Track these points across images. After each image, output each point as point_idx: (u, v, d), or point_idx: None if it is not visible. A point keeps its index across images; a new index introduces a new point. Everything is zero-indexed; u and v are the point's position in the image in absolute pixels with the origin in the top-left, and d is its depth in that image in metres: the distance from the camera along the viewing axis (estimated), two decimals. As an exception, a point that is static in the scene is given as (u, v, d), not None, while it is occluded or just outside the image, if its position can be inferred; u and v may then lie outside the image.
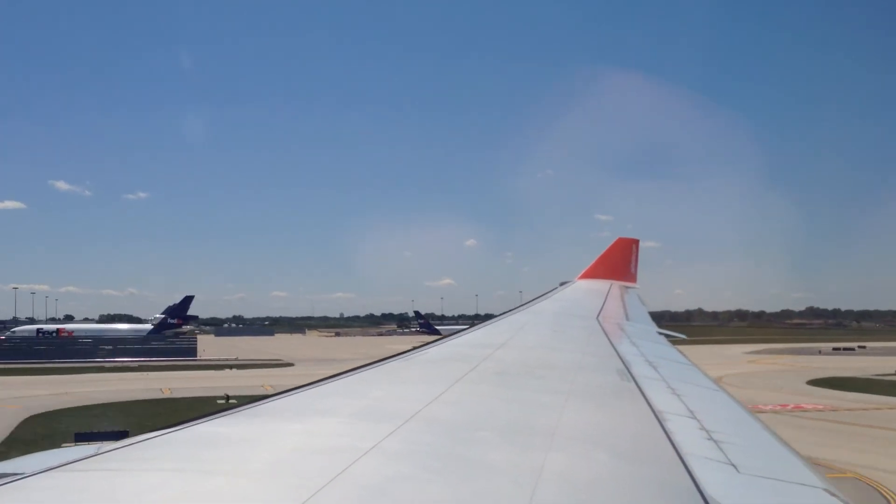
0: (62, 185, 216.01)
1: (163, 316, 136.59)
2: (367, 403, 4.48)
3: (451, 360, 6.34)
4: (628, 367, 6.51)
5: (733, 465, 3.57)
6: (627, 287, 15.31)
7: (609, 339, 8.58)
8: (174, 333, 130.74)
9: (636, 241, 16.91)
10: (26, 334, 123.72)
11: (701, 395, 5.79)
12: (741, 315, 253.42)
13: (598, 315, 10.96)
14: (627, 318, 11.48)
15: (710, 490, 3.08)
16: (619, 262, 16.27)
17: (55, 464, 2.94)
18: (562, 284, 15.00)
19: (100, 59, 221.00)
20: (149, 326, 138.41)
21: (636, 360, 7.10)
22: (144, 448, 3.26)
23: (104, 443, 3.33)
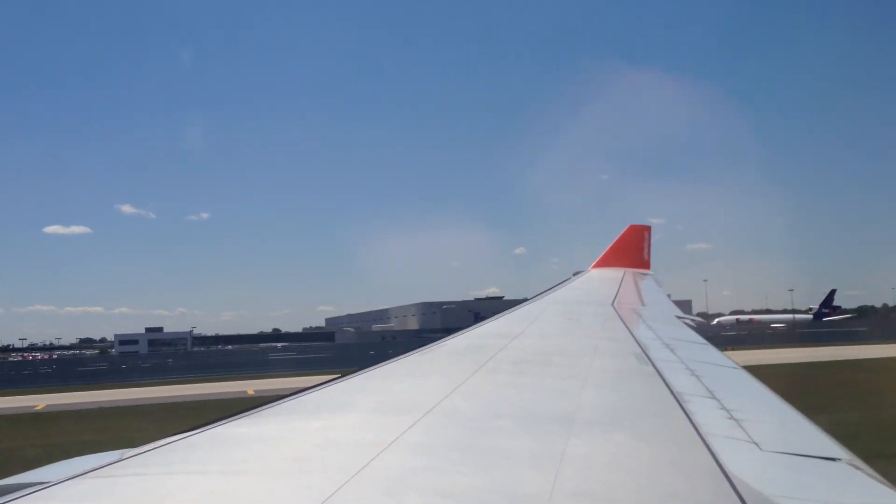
0: (128, 208, 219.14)
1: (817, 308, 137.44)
2: (387, 398, 4.49)
3: (469, 351, 6.35)
4: (645, 350, 6.49)
5: (755, 444, 3.55)
6: (642, 274, 15.27)
7: (625, 324, 8.54)
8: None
9: (648, 228, 16.84)
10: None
11: (720, 375, 5.77)
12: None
13: (612, 301, 10.92)
14: (643, 304, 11.44)
15: (732, 468, 3.06)
16: (631, 250, 16.21)
17: (80, 471, 2.95)
18: (575, 274, 14.99)
19: (163, 87, 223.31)
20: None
21: (653, 343, 7.08)
22: (167, 452, 3.28)
23: (127, 449, 3.35)
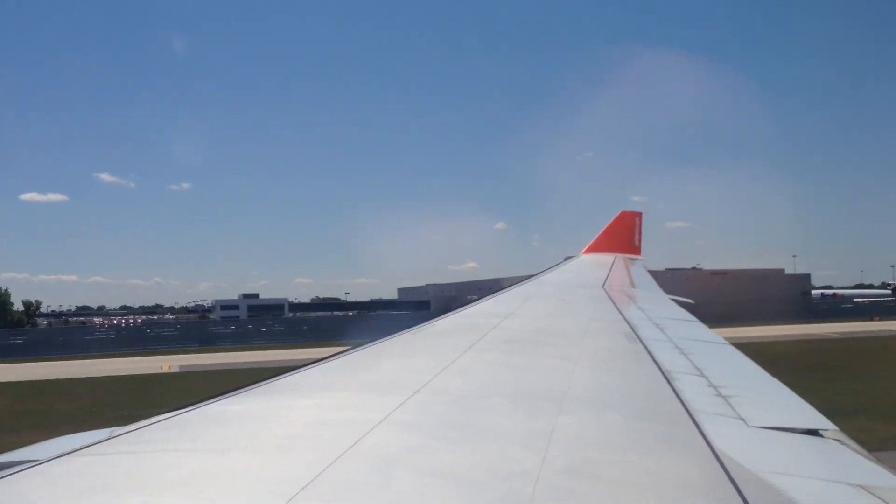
0: (107, 177, 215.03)
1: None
2: (377, 377, 4.51)
3: (460, 330, 6.37)
4: (635, 330, 6.54)
5: (742, 419, 3.58)
6: (632, 259, 15.37)
7: (615, 305, 8.60)
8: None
9: (639, 214, 16.94)
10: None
11: (708, 352, 5.82)
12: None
13: (603, 284, 11.00)
14: (633, 287, 11.52)
15: (719, 444, 3.09)
16: (622, 236, 16.32)
17: (69, 449, 2.94)
18: (566, 259, 15.06)
19: (144, 53, 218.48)
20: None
21: (643, 323, 7.13)
22: (158, 430, 3.27)
23: (116, 427, 3.35)
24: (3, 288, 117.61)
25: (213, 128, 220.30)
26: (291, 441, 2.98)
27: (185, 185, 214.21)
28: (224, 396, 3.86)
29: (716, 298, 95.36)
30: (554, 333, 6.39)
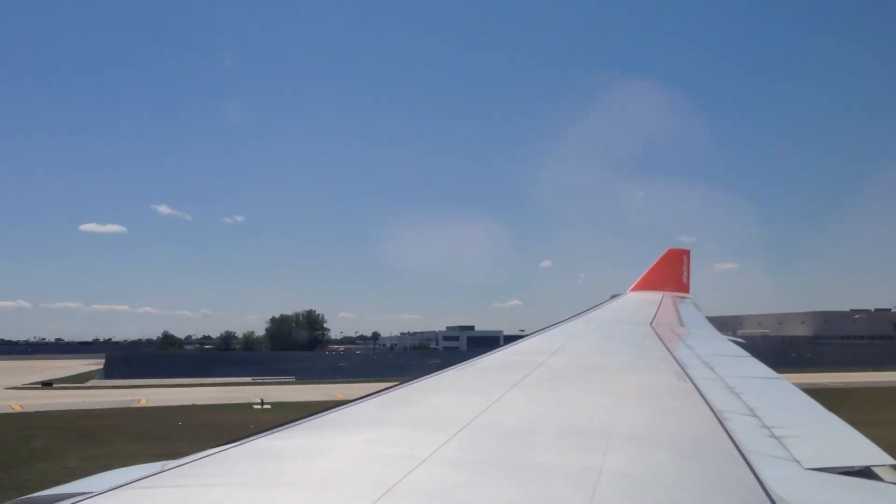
0: (164, 209, 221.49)
1: None
2: (424, 412, 4.51)
3: (505, 367, 6.35)
4: (684, 368, 6.42)
5: (797, 461, 3.48)
6: (681, 297, 15.15)
7: (664, 343, 8.47)
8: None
9: (687, 252, 16.73)
10: None
11: (762, 390, 5.67)
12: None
13: (651, 322, 10.84)
14: (682, 325, 11.33)
15: (774, 486, 3.01)
16: (670, 274, 16.11)
17: (122, 482, 3.01)
18: (613, 297, 14.91)
19: (202, 90, 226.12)
20: None
21: (692, 361, 7.00)
22: (207, 464, 3.33)
23: (168, 461, 3.41)
24: (320, 314, 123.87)
25: (269, 161, 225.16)
26: (338, 476, 3.00)
27: (239, 219, 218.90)
28: (273, 431, 3.91)
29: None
30: (601, 370, 6.33)
